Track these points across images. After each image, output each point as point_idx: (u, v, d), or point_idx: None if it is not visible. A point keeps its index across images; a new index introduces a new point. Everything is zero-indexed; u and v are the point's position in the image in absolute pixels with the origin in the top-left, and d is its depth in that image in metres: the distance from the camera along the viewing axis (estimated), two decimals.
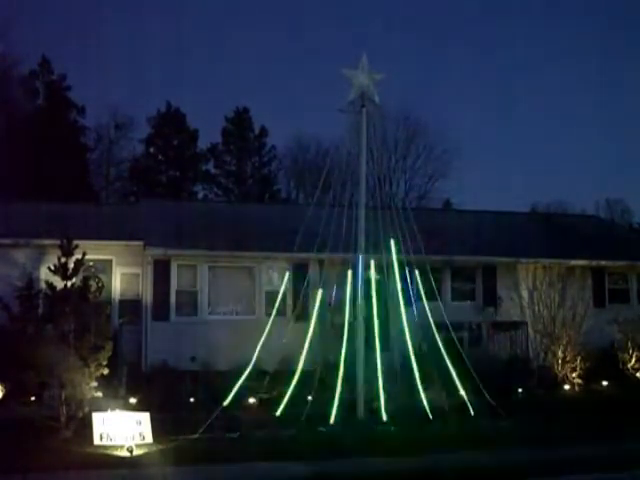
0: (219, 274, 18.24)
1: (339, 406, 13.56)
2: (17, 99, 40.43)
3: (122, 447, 11.14)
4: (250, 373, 13.96)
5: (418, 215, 15.15)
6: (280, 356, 14.66)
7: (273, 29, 78.39)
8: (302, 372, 13.99)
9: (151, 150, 48.37)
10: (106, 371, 12.71)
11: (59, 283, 12.86)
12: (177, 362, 16.14)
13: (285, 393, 13.65)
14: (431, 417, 13.60)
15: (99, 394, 13.06)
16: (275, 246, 17.30)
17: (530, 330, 19.08)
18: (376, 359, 14.08)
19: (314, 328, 14.33)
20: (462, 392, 14.27)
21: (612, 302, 21.13)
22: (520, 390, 16.86)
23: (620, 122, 78.18)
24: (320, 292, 14.54)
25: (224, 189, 49.25)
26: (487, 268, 20.21)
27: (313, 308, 14.60)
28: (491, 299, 19.92)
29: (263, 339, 14.02)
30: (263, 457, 10.99)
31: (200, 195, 48.42)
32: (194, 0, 75.43)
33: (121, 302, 18.47)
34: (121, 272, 18.71)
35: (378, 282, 14.79)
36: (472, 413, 13.76)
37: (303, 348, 14.32)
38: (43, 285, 13.66)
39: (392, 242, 14.44)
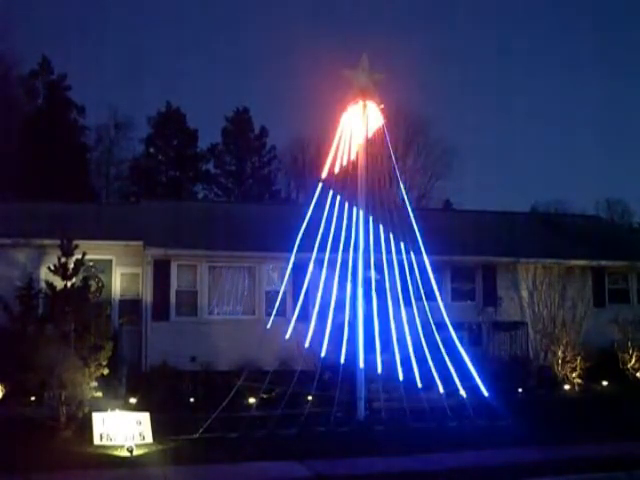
0: (219, 274, 18.22)
1: (339, 406, 13.58)
2: (17, 99, 40.41)
3: (122, 447, 11.15)
4: (250, 373, 13.95)
5: (418, 215, 15.12)
6: (280, 356, 14.66)
7: (273, 29, 78.44)
8: (302, 372, 13.98)
9: (151, 150, 48.36)
10: (106, 371, 12.73)
11: (59, 283, 12.87)
12: (177, 362, 16.13)
13: (285, 393, 13.64)
14: (431, 417, 13.60)
15: (99, 394, 13.08)
16: (275, 246, 17.28)
17: (530, 330, 19.08)
18: (376, 359, 14.09)
19: (314, 328, 14.32)
20: (462, 392, 14.26)
21: (612, 302, 21.10)
22: (520, 390, 16.87)
23: (620, 122, 78.30)
24: (320, 292, 14.54)
25: (224, 189, 49.23)
26: (487, 268, 20.20)
27: (313, 308, 14.60)
28: (491, 299, 19.90)
29: (263, 339, 14.02)
30: (263, 457, 11.00)
31: (200, 195, 48.42)
32: (194, 0, 75.51)
33: (121, 302, 18.45)
34: (121, 272, 18.68)
35: (378, 282, 14.81)
36: (472, 413, 13.75)
37: (303, 348, 14.32)
38: (43, 285, 13.67)
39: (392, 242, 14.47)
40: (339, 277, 14.35)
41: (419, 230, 14.62)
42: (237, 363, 15.62)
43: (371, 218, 14.60)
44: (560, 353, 18.35)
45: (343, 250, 14.40)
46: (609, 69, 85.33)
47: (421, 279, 14.75)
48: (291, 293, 17.37)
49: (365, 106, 14.94)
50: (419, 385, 14.16)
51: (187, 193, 47.10)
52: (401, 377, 14.21)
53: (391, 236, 14.50)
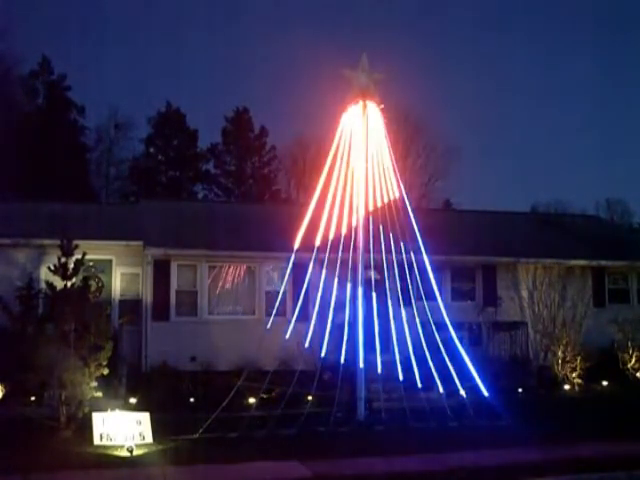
0: (219, 274, 18.22)
1: (339, 406, 13.58)
2: (17, 99, 40.42)
3: (122, 447, 11.15)
4: (250, 373, 13.96)
5: (418, 215, 15.12)
6: (280, 356, 14.66)
7: (272, 29, 78.42)
8: (302, 372, 13.99)
9: (151, 150, 48.36)
10: (106, 371, 12.73)
11: (59, 283, 12.87)
12: (177, 362, 16.13)
13: (285, 393, 13.65)
14: (431, 417, 13.60)
15: (99, 394, 13.07)
16: (275, 246, 17.28)
17: (530, 330, 19.08)
18: (376, 359, 14.09)
19: (314, 328, 14.33)
20: (462, 392, 14.27)
21: (612, 302, 21.10)
22: (520, 390, 16.86)
23: (620, 122, 78.34)
24: (320, 292, 14.54)
25: (224, 189, 49.22)
26: (487, 268, 20.20)
27: (313, 308, 14.60)
28: (491, 299, 19.90)
29: (263, 339, 14.02)
30: (263, 457, 10.99)
31: (200, 195, 48.41)
32: (194, 0, 75.50)
33: (121, 302, 18.43)
34: (121, 272, 18.67)
35: (378, 282, 14.81)
36: (472, 413, 13.75)
37: (303, 348, 14.32)
38: (43, 285, 13.67)
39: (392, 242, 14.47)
40: (339, 277, 14.34)
41: (419, 230, 14.63)
42: (237, 363, 15.62)
43: (371, 218, 14.59)
44: (560, 353, 18.35)
45: (343, 250, 14.38)
46: (609, 69, 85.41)
47: (421, 279, 14.75)
48: (291, 293, 17.37)
49: (365, 106, 14.94)
50: (419, 385, 14.16)
51: (187, 193, 47.09)
52: (401, 377, 14.21)
53: (391, 236, 14.48)
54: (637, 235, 38.09)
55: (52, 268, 12.98)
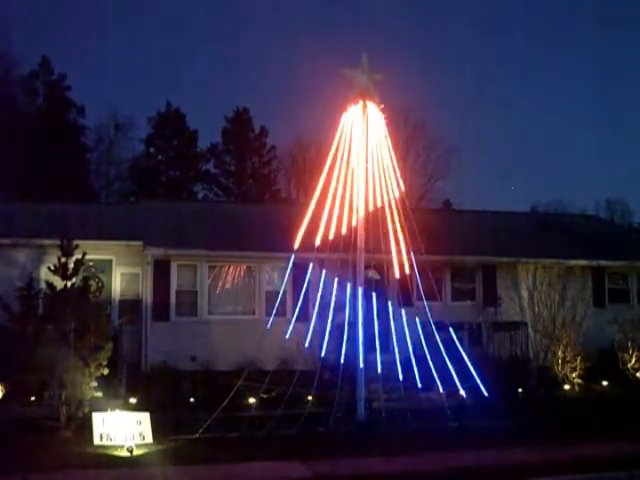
0: (219, 274, 18.22)
1: (339, 406, 13.58)
2: (17, 99, 40.43)
3: (122, 447, 11.16)
4: (250, 373, 13.96)
5: (418, 215, 15.11)
6: (280, 356, 14.66)
7: (273, 29, 78.44)
8: (302, 372, 13.99)
9: (151, 150, 48.34)
10: (106, 371, 12.73)
11: (59, 283, 12.88)
12: (177, 362, 16.13)
13: (285, 393, 13.64)
14: (431, 417, 13.60)
15: (99, 394, 13.07)
16: (275, 246, 17.28)
17: (530, 330, 19.07)
18: (376, 359, 14.09)
19: (314, 328, 14.33)
20: (462, 392, 14.27)
21: (612, 302, 21.09)
22: (520, 390, 16.85)
23: (621, 122, 78.36)
24: (320, 292, 14.54)
25: (224, 189, 49.23)
26: (487, 268, 20.20)
27: (313, 308, 14.60)
28: (491, 299, 19.89)
29: (263, 339, 14.02)
30: (263, 457, 11.00)
31: (200, 195, 48.40)
32: (194, 0, 75.51)
33: (121, 302, 18.43)
34: (121, 272, 18.67)
35: (378, 282, 14.81)
36: (472, 413, 13.75)
37: (303, 348, 14.33)
38: (43, 285, 13.68)
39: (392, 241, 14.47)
40: (339, 277, 14.35)
41: (418, 230, 14.62)
42: (237, 363, 15.63)
43: (371, 218, 14.59)
44: (560, 353, 18.34)
45: (343, 250, 14.38)
46: (609, 69, 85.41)
47: (421, 279, 14.74)
48: (291, 293, 17.37)
49: (365, 106, 14.94)
50: (419, 385, 14.17)
51: (187, 193, 47.08)
52: (401, 377, 14.21)
53: (391, 236, 14.48)
54: (637, 235, 38.10)
55: (52, 268, 12.99)
